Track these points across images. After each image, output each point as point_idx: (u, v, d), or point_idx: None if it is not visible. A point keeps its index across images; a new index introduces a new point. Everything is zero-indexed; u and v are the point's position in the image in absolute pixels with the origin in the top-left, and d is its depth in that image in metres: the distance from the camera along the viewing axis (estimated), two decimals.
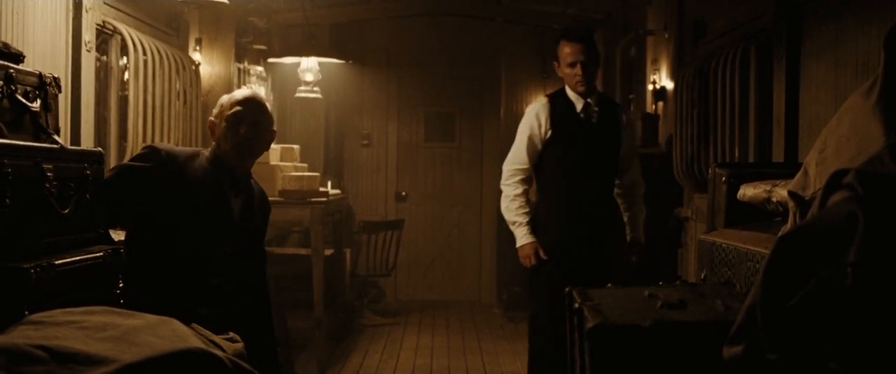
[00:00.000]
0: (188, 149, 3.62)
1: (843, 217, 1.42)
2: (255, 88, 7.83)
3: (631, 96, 8.36)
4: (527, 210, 4.76)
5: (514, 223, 4.77)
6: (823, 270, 1.39)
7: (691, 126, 5.88)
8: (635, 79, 8.14)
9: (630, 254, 4.95)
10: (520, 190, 4.77)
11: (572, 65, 4.67)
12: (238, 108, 3.39)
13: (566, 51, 4.70)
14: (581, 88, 4.70)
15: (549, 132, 4.73)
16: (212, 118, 3.49)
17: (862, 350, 1.35)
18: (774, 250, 1.46)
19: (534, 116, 4.77)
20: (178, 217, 3.28)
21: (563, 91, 4.81)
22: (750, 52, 5.04)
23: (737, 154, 5.20)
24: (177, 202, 3.28)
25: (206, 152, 3.45)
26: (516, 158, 4.80)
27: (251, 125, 3.39)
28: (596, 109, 4.75)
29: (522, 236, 4.73)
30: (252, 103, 3.45)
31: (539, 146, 4.75)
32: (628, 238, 4.98)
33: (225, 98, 3.49)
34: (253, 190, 3.57)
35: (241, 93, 3.52)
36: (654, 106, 7.26)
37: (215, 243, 3.36)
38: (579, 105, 4.74)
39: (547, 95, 4.94)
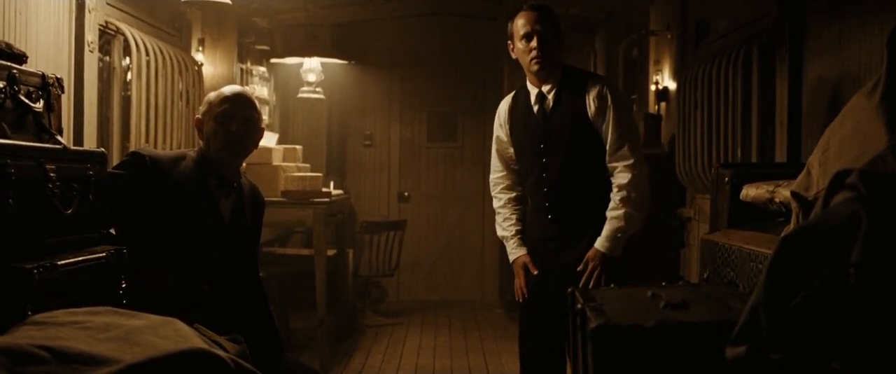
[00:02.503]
0: (173, 152, 3.54)
1: (846, 217, 1.42)
2: (258, 87, 7.85)
3: (633, 97, 8.35)
4: (513, 222, 4.16)
5: (502, 238, 4.21)
6: (826, 270, 1.39)
7: (694, 127, 5.88)
8: (638, 79, 8.14)
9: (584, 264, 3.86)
10: (501, 201, 4.24)
11: (527, 37, 3.87)
12: (227, 105, 3.33)
13: (519, 23, 3.89)
14: (535, 67, 3.87)
15: (509, 133, 4.16)
16: (198, 116, 3.43)
17: (865, 350, 1.34)
18: (777, 250, 1.46)
19: (496, 116, 4.25)
20: (166, 223, 3.22)
21: (524, 83, 4.10)
22: (752, 52, 5.03)
23: (739, 155, 5.20)
24: (163, 209, 3.22)
25: (193, 153, 3.39)
26: (493, 165, 4.32)
27: (242, 122, 3.33)
28: (549, 97, 3.94)
29: (510, 251, 4.14)
30: (241, 99, 3.38)
31: (508, 149, 4.19)
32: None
33: (212, 95, 3.41)
34: (243, 189, 3.51)
35: (228, 89, 3.43)
36: (656, 106, 7.25)
37: (205, 247, 3.31)
38: (534, 95, 3.99)
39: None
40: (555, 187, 3.98)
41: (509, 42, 4.00)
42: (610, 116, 3.83)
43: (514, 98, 4.15)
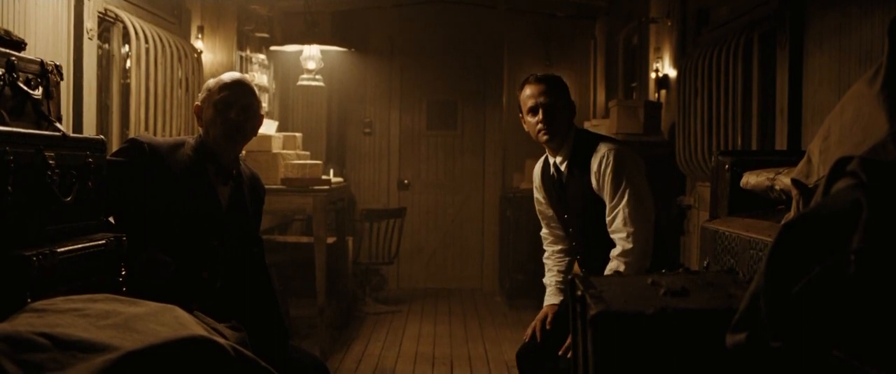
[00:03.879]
0: (172, 139, 3.54)
1: (847, 205, 1.42)
2: (257, 75, 7.84)
3: (633, 85, 8.35)
4: (553, 273, 4.13)
5: (545, 284, 4.18)
6: (827, 257, 1.38)
7: (694, 114, 5.87)
8: (638, 67, 8.13)
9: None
10: (547, 253, 4.21)
11: (533, 111, 3.82)
12: (226, 92, 3.32)
13: (526, 93, 3.86)
14: (544, 138, 3.83)
15: (545, 197, 4.13)
16: (198, 103, 3.42)
17: (865, 338, 1.34)
18: (778, 237, 1.46)
19: (533, 177, 4.22)
20: (163, 211, 3.21)
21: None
22: (753, 40, 5.02)
23: (740, 142, 5.19)
24: (161, 196, 3.21)
25: (192, 140, 3.38)
26: (540, 219, 4.26)
27: (242, 109, 3.32)
28: (563, 169, 3.92)
29: (546, 297, 4.10)
30: (241, 86, 3.37)
31: (547, 210, 4.14)
32: None
33: (211, 82, 3.40)
34: (242, 177, 3.50)
35: (228, 76, 3.42)
36: (657, 94, 7.24)
37: (203, 235, 3.30)
38: (552, 166, 3.99)
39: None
40: (582, 252, 4.04)
41: (520, 113, 3.95)
42: (607, 187, 3.77)
43: (543, 163, 4.11)
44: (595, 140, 3.94)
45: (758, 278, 1.47)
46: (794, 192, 2.26)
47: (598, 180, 3.78)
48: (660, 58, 7.20)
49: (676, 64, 6.60)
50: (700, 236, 3.50)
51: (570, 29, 10.02)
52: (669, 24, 6.87)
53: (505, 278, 9.83)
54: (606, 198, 3.77)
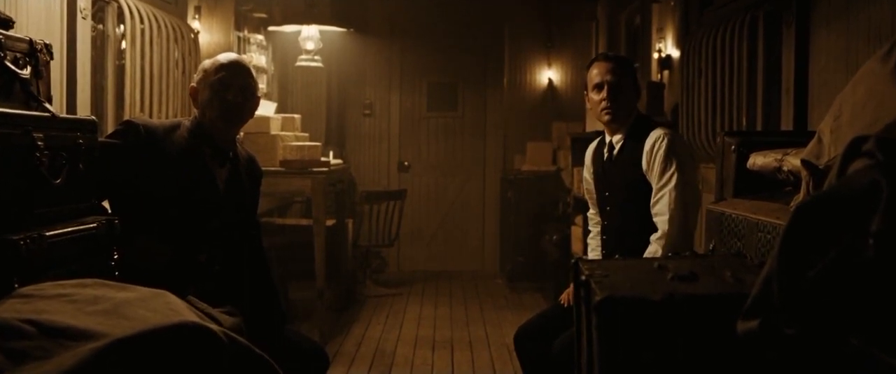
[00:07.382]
0: (168, 121, 3.48)
1: (865, 186, 1.36)
2: (255, 56, 7.77)
3: (636, 65, 8.29)
4: (597, 254, 4.11)
5: None
6: (844, 240, 1.33)
7: (698, 95, 5.82)
8: (640, 48, 8.07)
9: None
10: (592, 233, 4.19)
11: (598, 87, 3.84)
12: (223, 73, 3.27)
13: (593, 72, 3.88)
14: (606, 118, 3.86)
15: (592, 175, 4.14)
16: (193, 84, 3.36)
17: (884, 325, 1.29)
18: (792, 219, 1.40)
19: (585, 156, 4.23)
20: (159, 194, 3.16)
21: None
22: (758, 19, 4.96)
23: (744, 123, 5.14)
24: (157, 178, 3.16)
25: (188, 122, 3.32)
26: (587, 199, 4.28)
27: (239, 90, 3.27)
28: (616, 148, 3.93)
29: None
30: (238, 67, 3.32)
31: (593, 190, 4.14)
32: None
33: (207, 63, 3.35)
34: (239, 159, 3.45)
35: (224, 57, 3.37)
36: (659, 75, 7.19)
37: (200, 218, 3.25)
38: (606, 144, 4.01)
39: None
40: (611, 235, 4.00)
41: (585, 90, 3.98)
42: (656, 168, 3.76)
43: (598, 143, 4.12)
44: (653, 123, 3.95)
45: (771, 262, 1.42)
46: (805, 173, 2.21)
47: (649, 161, 3.77)
48: (662, 38, 7.14)
49: (680, 44, 6.54)
50: (705, 218, 3.45)
51: (572, 10, 9.95)
52: (672, 3, 6.81)
53: (506, 261, 9.81)
54: (654, 179, 3.76)
